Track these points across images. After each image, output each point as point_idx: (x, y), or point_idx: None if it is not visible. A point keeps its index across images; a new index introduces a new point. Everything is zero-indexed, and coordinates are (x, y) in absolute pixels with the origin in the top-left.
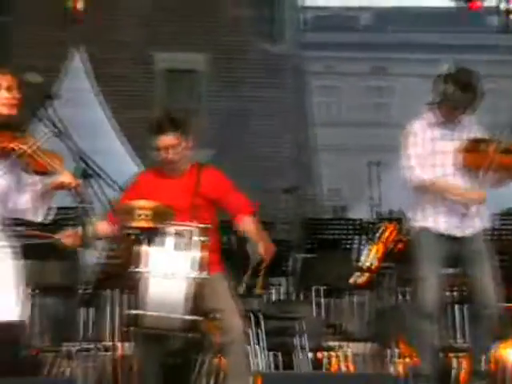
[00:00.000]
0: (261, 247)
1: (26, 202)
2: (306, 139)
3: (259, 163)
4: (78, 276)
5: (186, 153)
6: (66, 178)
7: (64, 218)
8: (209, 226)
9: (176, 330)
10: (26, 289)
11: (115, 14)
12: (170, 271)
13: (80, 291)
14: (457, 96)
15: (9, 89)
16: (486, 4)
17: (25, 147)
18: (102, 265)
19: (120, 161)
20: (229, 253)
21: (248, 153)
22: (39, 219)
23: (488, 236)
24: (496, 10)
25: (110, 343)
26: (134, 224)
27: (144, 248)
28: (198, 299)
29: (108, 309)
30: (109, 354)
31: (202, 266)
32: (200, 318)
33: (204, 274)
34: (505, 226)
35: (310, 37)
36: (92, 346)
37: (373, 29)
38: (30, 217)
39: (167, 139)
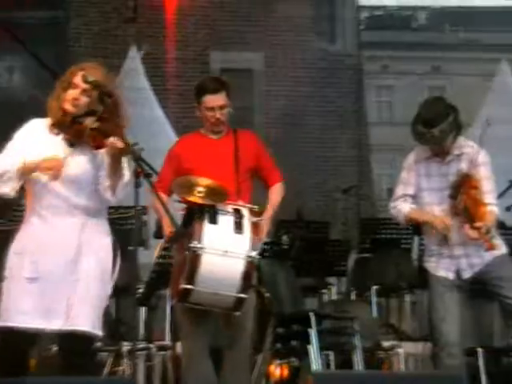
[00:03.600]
0: (263, 222)
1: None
2: (364, 139)
3: (317, 163)
4: (135, 275)
5: (228, 115)
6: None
7: (122, 217)
8: (256, 207)
9: (225, 308)
10: None
11: (173, 13)
12: (226, 249)
13: (137, 291)
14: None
15: (83, 92)
16: None
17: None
18: (157, 264)
19: None
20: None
21: (305, 152)
22: (117, 198)
23: None
24: None
25: (166, 342)
26: (191, 199)
27: (200, 224)
28: (251, 279)
29: (164, 308)
30: (164, 353)
31: (255, 246)
32: (248, 296)
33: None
34: None
35: (365, 36)
36: (148, 345)
37: (429, 28)
38: (108, 196)
39: (219, 98)
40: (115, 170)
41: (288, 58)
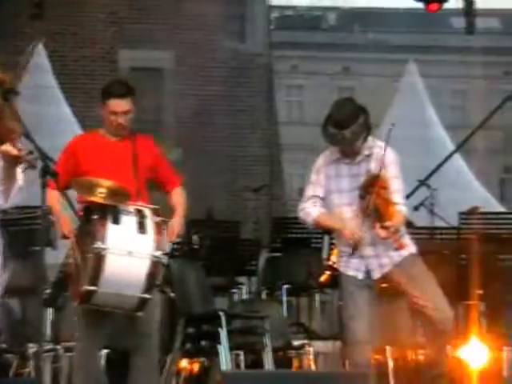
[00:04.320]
0: (175, 222)
1: None
2: (275, 138)
3: (227, 162)
4: (41, 276)
5: (131, 120)
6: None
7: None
8: (157, 207)
9: (128, 309)
10: None
11: (81, 10)
12: (131, 249)
13: (43, 291)
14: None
15: None
16: (450, 5)
17: None
18: (64, 264)
19: None
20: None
21: (216, 152)
22: (11, 203)
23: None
24: (462, 12)
25: (73, 344)
26: (93, 199)
27: (103, 224)
28: (155, 279)
29: (71, 309)
30: (71, 354)
31: (159, 246)
32: (151, 297)
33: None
34: (466, 225)
35: (276, 36)
36: (55, 346)
37: (338, 29)
38: (1, 201)
39: (124, 104)
40: (9, 176)
41: (198, 56)
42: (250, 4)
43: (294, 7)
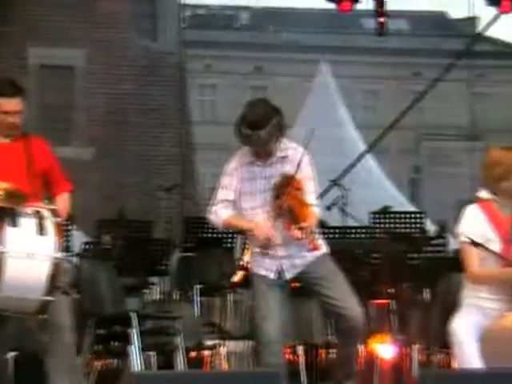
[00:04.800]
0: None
1: None
2: (187, 137)
3: (139, 161)
4: None
5: (22, 120)
6: None
7: None
8: (55, 207)
9: (30, 312)
10: None
11: None
12: (30, 251)
13: None
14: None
15: None
16: (361, 6)
17: None
18: None
19: None
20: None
21: (128, 151)
22: None
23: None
24: (372, 13)
25: None
26: None
27: (0, 227)
28: (57, 281)
29: None
30: None
31: (59, 247)
32: (54, 299)
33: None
34: (378, 225)
35: (188, 35)
36: None
37: (251, 28)
38: None
39: (16, 104)
40: None
41: (110, 55)
42: (161, 2)
43: (206, 6)
